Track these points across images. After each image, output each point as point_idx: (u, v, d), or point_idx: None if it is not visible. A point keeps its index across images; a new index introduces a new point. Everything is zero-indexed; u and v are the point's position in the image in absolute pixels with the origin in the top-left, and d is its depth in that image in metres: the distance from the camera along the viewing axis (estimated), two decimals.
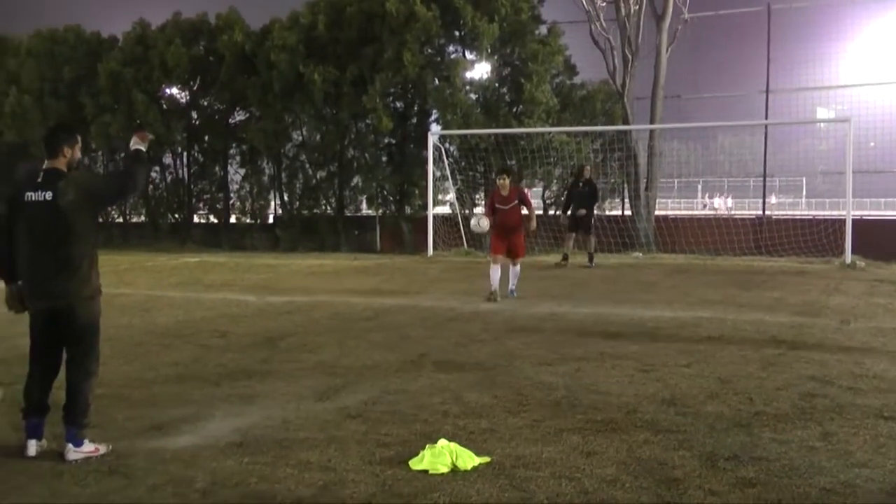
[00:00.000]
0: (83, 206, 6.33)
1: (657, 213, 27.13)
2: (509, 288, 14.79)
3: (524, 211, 15.23)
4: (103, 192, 6.73)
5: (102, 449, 6.31)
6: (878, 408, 7.23)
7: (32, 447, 6.28)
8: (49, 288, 6.29)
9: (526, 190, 17.55)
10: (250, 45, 28.95)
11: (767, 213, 26.86)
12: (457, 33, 27.24)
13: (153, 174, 32.59)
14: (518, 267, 14.95)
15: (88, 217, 6.42)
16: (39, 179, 6.39)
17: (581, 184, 21.22)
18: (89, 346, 6.47)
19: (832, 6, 30.20)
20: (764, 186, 27.25)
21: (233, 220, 32.15)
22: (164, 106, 31.10)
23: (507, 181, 14.71)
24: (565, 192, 23.47)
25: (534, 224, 15.86)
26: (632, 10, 26.16)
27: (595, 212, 21.78)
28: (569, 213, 21.30)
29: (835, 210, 27.61)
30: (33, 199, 6.29)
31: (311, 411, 7.35)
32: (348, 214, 29.57)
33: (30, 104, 31.70)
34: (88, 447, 6.27)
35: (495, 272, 14.36)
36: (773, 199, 37.46)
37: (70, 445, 6.21)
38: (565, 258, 20.83)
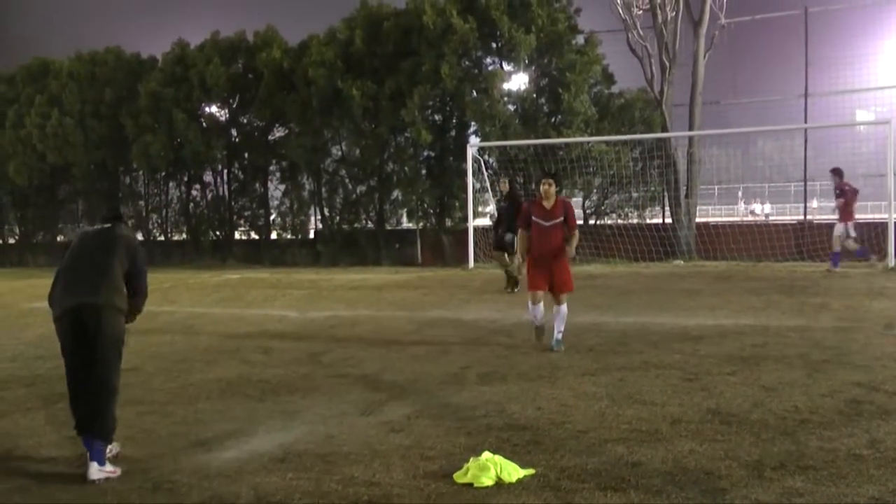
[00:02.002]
0: (125, 247, 6.78)
1: (698, 220, 26.99)
2: (554, 337, 10.88)
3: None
4: (137, 254, 6.89)
5: (118, 472, 6.34)
6: None
7: (94, 471, 6.28)
8: (81, 285, 6.50)
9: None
10: (288, 62, 29.18)
11: (809, 217, 26.61)
12: (494, 45, 27.30)
13: (194, 192, 32.94)
14: (564, 307, 10.95)
15: (125, 258, 6.72)
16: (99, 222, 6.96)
17: (503, 200, 19.04)
18: (113, 360, 6.58)
19: (869, 7, 29.95)
20: (805, 191, 27.03)
21: (273, 235, 32.32)
22: (204, 124, 31.39)
23: (553, 189, 11.05)
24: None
25: (573, 248, 11.05)
26: (668, 18, 26.10)
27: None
28: (499, 232, 18.20)
29: (877, 213, 27.28)
30: (90, 230, 6.94)
31: (354, 426, 7.39)
32: (389, 228, 29.63)
33: (71, 126, 32.17)
34: (109, 468, 6.34)
35: (534, 308, 11.01)
36: (814, 204, 37.09)
37: (95, 464, 6.26)
38: (514, 283, 17.35)
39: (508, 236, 17.29)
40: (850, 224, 19.61)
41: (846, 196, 19.50)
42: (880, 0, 29.90)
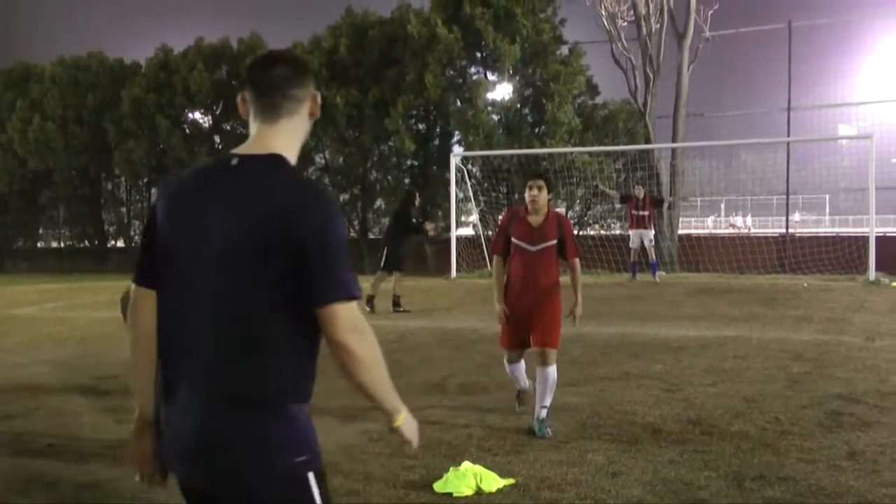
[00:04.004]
0: None
1: (680, 231, 27.07)
2: (536, 415, 7.38)
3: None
4: None
5: None
6: None
7: None
8: None
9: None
10: None
11: (791, 230, 26.73)
12: (478, 55, 27.40)
13: None
14: (553, 369, 7.49)
15: None
16: None
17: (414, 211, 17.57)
18: None
19: (853, 22, 30.25)
20: (787, 204, 27.17)
21: None
22: (188, 130, 31.35)
23: (545, 196, 7.64)
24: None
25: (580, 294, 7.79)
26: (653, 30, 26.24)
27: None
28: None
29: (858, 227, 27.48)
30: None
31: (334, 435, 7.32)
32: (371, 237, 29.61)
33: (53, 131, 32.05)
34: None
35: (512, 368, 7.98)
36: (796, 217, 37.33)
37: None
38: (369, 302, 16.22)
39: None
40: None
41: None
42: (864, 15, 30.17)
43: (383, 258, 16.85)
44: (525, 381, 8.05)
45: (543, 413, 7.35)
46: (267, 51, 3.17)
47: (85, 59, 33.50)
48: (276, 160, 2.71)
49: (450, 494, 5.75)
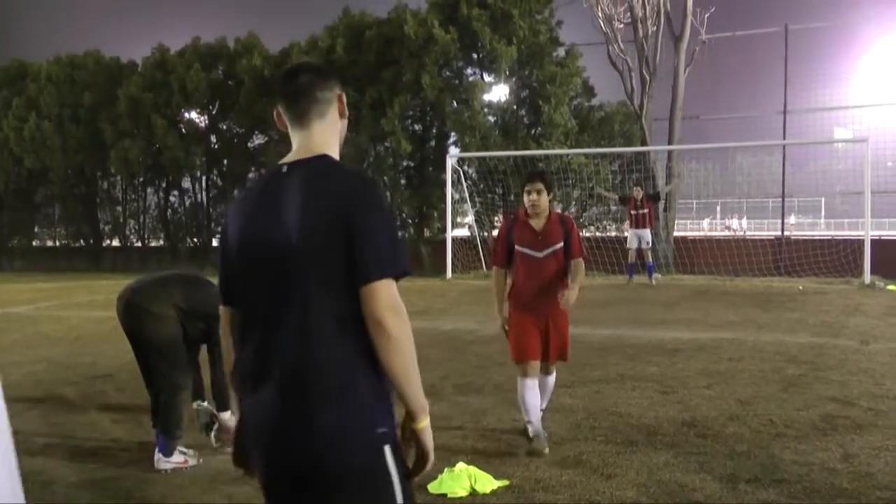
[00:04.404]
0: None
1: (676, 233, 27.09)
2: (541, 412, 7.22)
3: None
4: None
5: (192, 461, 6.61)
6: None
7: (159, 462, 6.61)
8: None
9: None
10: (269, 69, 29.16)
11: (786, 233, 26.77)
12: (475, 56, 27.37)
13: (172, 198, 32.83)
14: (553, 378, 7.51)
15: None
16: None
17: None
18: (172, 362, 6.73)
19: (849, 26, 30.30)
20: (783, 207, 27.17)
21: None
22: (184, 130, 31.31)
23: (545, 199, 7.09)
24: None
25: (576, 291, 7.04)
26: (649, 32, 26.28)
27: None
28: None
29: (854, 230, 27.53)
30: None
31: None
32: None
33: (49, 130, 31.98)
34: (178, 458, 6.56)
35: (529, 392, 6.99)
36: (792, 220, 37.36)
37: (160, 455, 6.52)
38: None
39: None
40: None
41: None
42: (860, 19, 30.22)
43: None
44: (538, 420, 6.97)
45: (541, 409, 7.19)
46: (293, 64, 3.29)
47: (81, 58, 33.39)
48: (322, 158, 2.93)
49: (444, 495, 5.75)
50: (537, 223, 7.06)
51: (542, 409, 7.16)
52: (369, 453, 2.74)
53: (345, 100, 3.09)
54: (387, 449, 2.76)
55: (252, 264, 2.89)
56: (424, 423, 2.85)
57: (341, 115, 3.08)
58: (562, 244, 7.05)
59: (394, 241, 2.82)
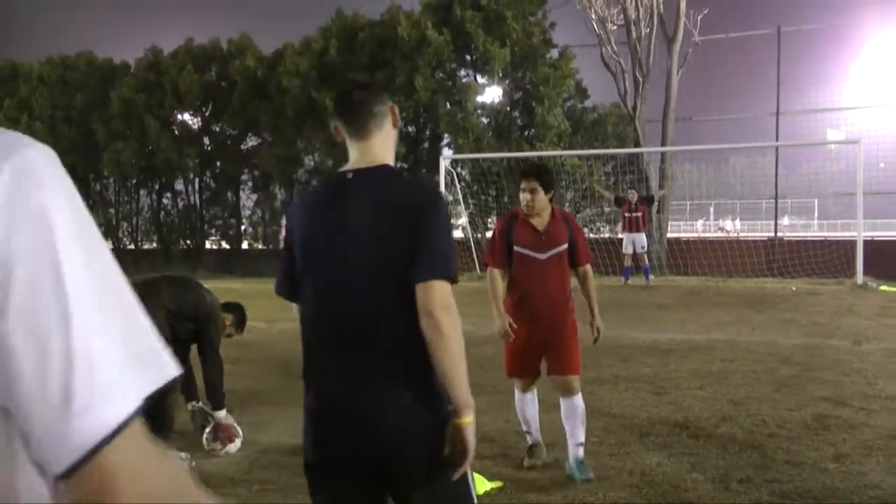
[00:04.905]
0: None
1: (669, 235, 27.11)
2: (571, 455, 6.21)
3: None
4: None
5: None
6: (891, 428, 7.21)
7: None
8: None
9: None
10: (262, 71, 29.16)
11: (779, 234, 26.81)
12: (468, 58, 27.40)
13: (165, 200, 32.78)
14: (579, 399, 6.34)
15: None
16: None
17: None
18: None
19: (841, 28, 30.35)
20: (776, 208, 27.24)
21: (245, 245, 32.20)
22: (177, 132, 31.27)
23: (543, 197, 6.23)
24: None
25: (597, 308, 6.57)
26: (643, 34, 26.30)
27: None
28: None
29: (846, 231, 27.60)
30: None
31: None
32: None
33: (41, 131, 31.85)
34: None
35: (526, 405, 6.61)
36: (785, 221, 37.44)
37: None
38: None
39: None
40: None
41: None
42: (852, 21, 30.29)
43: None
44: (537, 431, 6.56)
45: (580, 452, 6.18)
46: (346, 80, 3.67)
47: (73, 59, 33.33)
48: (385, 168, 3.17)
49: None
50: (539, 221, 6.26)
51: (581, 444, 6.21)
52: (446, 427, 2.97)
53: (397, 110, 3.33)
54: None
55: (326, 264, 3.08)
56: (469, 419, 3.02)
57: (394, 124, 3.30)
58: (566, 246, 6.25)
59: (451, 247, 3.05)
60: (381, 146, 3.20)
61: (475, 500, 3.16)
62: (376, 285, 2.99)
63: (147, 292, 6.71)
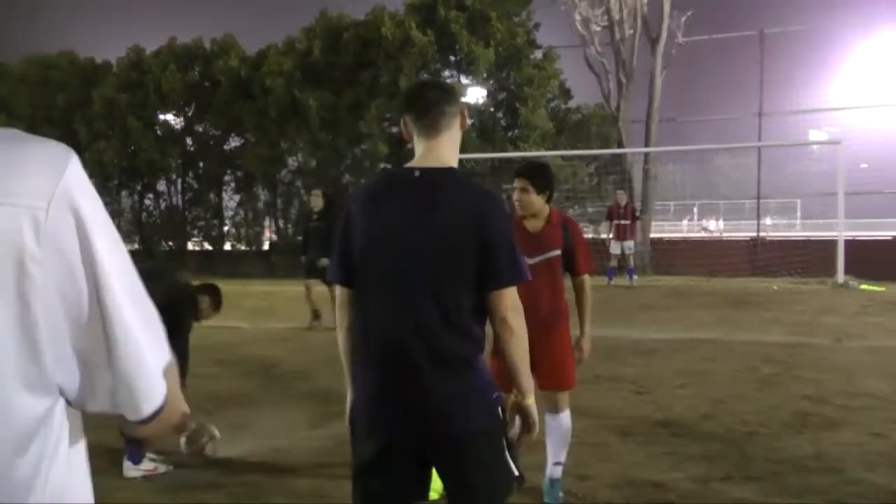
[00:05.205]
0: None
1: (653, 235, 27.16)
2: (548, 474, 5.80)
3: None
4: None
5: (162, 468, 6.54)
6: (869, 425, 7.27)
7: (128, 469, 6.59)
8: None
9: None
10: (246, 71, 29.01)
11: (762, 234, 26.90)
12: (452, 58, 27.33)
13: (147, 201, 32.57)
14: (566, 415, 5.85)
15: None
16: None
17: (315, 215, 15.58)
18: None
19: (823, 30, 30.50)
20: (758, 208, 27.31)
21: (227, 246, 32.05)
22: (159, 132, 31.10)
23: (536, 199, 5.78)
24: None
25: (589, 326, 6.15)
26: (626, 35, 26.31)
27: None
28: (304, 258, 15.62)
29: (828, 231, 27.69)
30: None
31: (303, 439, 7.33)
32: None
33: (22, 131, 31.56)
34: (147, 465, 6.51)
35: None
36: (768, 221, 37.53)
37: (129, 462, 6.48)
38: (316, 316, 15.03)
39: (323, 261, 13.56)
40: None
41: None
42: (835, 24, 30.42)
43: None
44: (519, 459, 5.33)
45: (558, 472, 5.78)
46: (422, 82, 4.06)
47: (54, 59, 33.00)
48: (453, 171, 3.37)
49: None
50: (533, 224, 5.83)
51: (559, 463, 5.79)
52: (491, 415, 3.27)
53: (467, 113, 3.51)
54: (500, 409, 3.32)
55: (389, 253, 3.24)
56: (532, 400, 3.41)
57: (462, 127, 3.46)
58: (559, 252, 5.77)
59: (517, 252, 3.29)
60: (448, 146, 3.39)
61: (513, 468, 3.39)
62: (437, 282, 3.18)
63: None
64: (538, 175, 5.84)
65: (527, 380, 3.39)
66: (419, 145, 3.38)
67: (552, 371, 5.67)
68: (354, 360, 3.43)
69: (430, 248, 3.19)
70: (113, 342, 1.49)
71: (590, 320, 6.01)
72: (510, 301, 3.24)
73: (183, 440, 6.81)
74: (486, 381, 3.29)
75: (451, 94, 3.49)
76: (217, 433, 6.89)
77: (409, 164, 3.36)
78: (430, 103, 3.36)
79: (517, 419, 3.43)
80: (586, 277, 6.02)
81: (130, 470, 6.45)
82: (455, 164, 3.41)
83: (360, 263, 3.31)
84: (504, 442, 3.34)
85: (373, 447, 3.32)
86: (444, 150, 3.36)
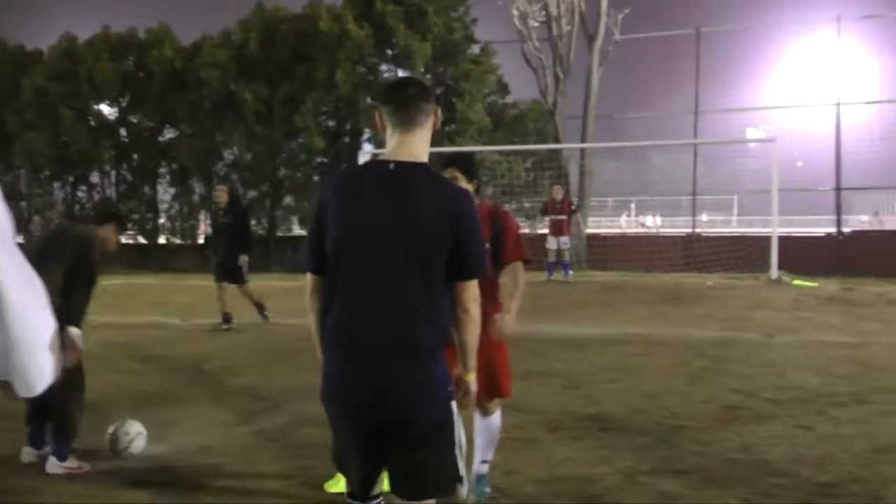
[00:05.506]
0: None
1: (589, 231, 27.27)
2: (476, 470, 5.58)
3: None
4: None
5: (86, 467, 6.37)
6: (797, 418, 7.33)
7: (26, 454, 6.55)
8: None
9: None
10: (181, 62, 28.63)
11: (697, 230, 27.16)
12: (389, 52, 27.27)
13: (80, 193, 31.97)
14: (497, 416, 5.70)
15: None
16: None
17: (221, 212, 15.30)
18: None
19: (759, 29, 30.84)
20: (693, 205, 27.59)
21: (162, 240, 31.64)
22: (92, 122, 30.57)
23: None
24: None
25: (515, 313, 5.59)
26: (563, 31, 26.38)
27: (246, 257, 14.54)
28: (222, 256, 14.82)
29: (764, 227, 28.05)
30: None
31: (230, 436, 7.20)
32: (280, 234, 29.26)
33: None
34: (72, 463, 6.34)
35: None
36: (704, 217, 37.95)
37: (53, 458, 6.33)
38: (226, 319, 14.21)
39: (243, 258, 14.33)
40: None
41: None
42: (769, 23, 30.79)
43: (242, 272, 14.54)
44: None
45: (485, 468, 5.64)
46: (403, 77, 4.25)
47: None
48: (427, 166, 3.56)
49: (341, 494, 5.65)
50: None
51: (486, 461, 5.65)
52: (446, 406, 3.51)
53: (439, 113, 3.67)
54: (453, 403, 3.57)
55: (364, 244, 3.41)
56: (473, 377, 3.69)
57: (434, 126, 3.61)
58: (487, 245, 4.67)
59: (484, 247, 3.56)
60: (421, 141, 3.55)
61: (459, 466, 3.60)
62: (410, 274, 3.36)
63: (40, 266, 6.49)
64: (467, 163, 5.57)
65: (472, 358, 3.62)
66: (392, 138, 3.53)
67: (492, 376, 5.26)
68: (325, 342, 3.57)
69: (404, 240, 3.37)
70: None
71: (516, 302, 5.53)
72: (474, 292, 3.49)
73: (109, 436, 6.67)
74: (446, 376, 3.50)
75: (429, 92, 3.66)
76: (143, 431, 6.75)
77: (383, 157, 3.52)
78: (410, 98, 3.52)
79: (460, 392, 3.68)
80: (517, 265, 5.61)
81: (54, 467, 6.29)
82: (426, 160, 3.56)
83: (334, 252, 3.46)
84: (454, 438, 3.55)
85: (340, 423, 3.57)
86: (417, 145, 3.52)
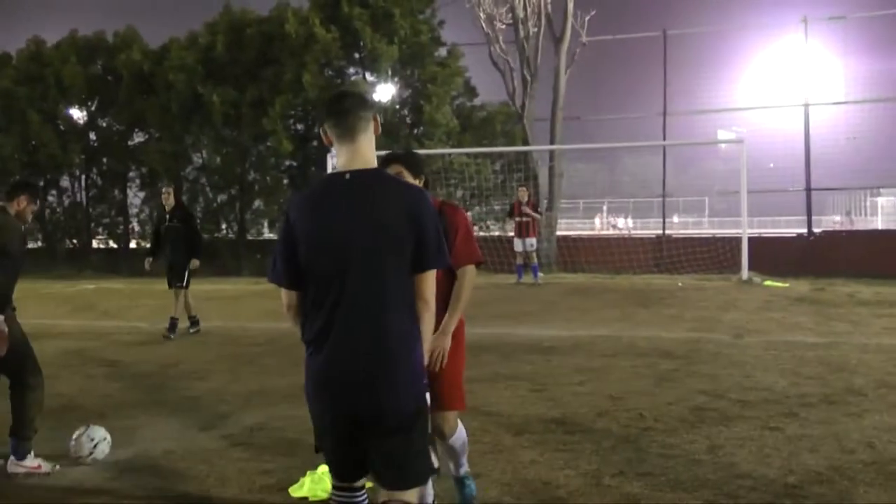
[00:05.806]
0: None
1: (559, 233, 27.30)
2: (455, 474, 5.43)
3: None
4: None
5: (46, 468, 6.35)
6: (765, 419, 7.31)
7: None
8: None
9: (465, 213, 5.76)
10: (148, 65, 28.48)
11: (667, 232, 27.23)
12: (356, 55, 27.20)
13: (50, 198, 31.62)
14: (459, 435, 5.31)
15: None
16: None
17: (167, 215, 15.02)
18: (20, 362, 6.48)
19: (725, 32, 31.03)
20: (664, 206, 27.64)
21: (133, 244, 31.42)
22: (61, 126, 30.33)
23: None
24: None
25: (456, 317, 5.09)
26: (531, 33, 26.41)
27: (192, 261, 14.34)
28: (156, 259, 15.11)
29: (735, 228, 28.20)
30: None
31: (194, 441, 7.15)
32: (250, 238, 29.10)
33: None
34: (31, 462, 6.35)
35: None
36: (675, 219, 38.12)
37: (13, 458, 6.33)
38: (171, 327, 13.80)
39: (195, 262, 14.26)
40: None
41: None
42: (736, 26, 30.90)
43: (187, 275, 14.25)
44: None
45: (462, 470, 5.43)
46: (339, 91, 4.38)
47: None
48: (380, 171, 3.83)
49: (306, 499, 5.64)
50: None
51: (462, 465, 5.43)
52: (420, 401, 3.71)
53: (379, 119, 3.83)
54: (427, 395, 3.86)
55: (334, 251, 3.58)
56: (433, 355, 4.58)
57: (375, 131, 3.77)
58: None
59: (444, 240, 3.74)
60: (367, 148, 3.73)
61: (433, 461, 4.03)
62: (382, 272, 3.57)
63: None
64: (411, 159, 5.23)
65: (430, 339, 3.92)
66: (342, 152, 3.72)
67: (441, 387, 4.94)
68: (308, 346, 3.72)
69: (372, 242, 3.56)
70: None
71: (457, 310, 5.07)
72: (431, 285, 3.70)
73: (72, 443, 6.61)
74: (422, 369, 3.73)
75: (365, 100, 3.88)
76: (108, 436, 6.69)
77: (338, 170, 3.72)
78: (348, 109, 3.71)
79: None
80: (467, 269, 5.19)
81: (14, 466, 6.28)
82: (376, 164, 3.82)
83: (309, 264, 3.64)
84: (427, 426, 3.85)
85: (321, 417, 3.74)
86: (365, 152, 3.71)
